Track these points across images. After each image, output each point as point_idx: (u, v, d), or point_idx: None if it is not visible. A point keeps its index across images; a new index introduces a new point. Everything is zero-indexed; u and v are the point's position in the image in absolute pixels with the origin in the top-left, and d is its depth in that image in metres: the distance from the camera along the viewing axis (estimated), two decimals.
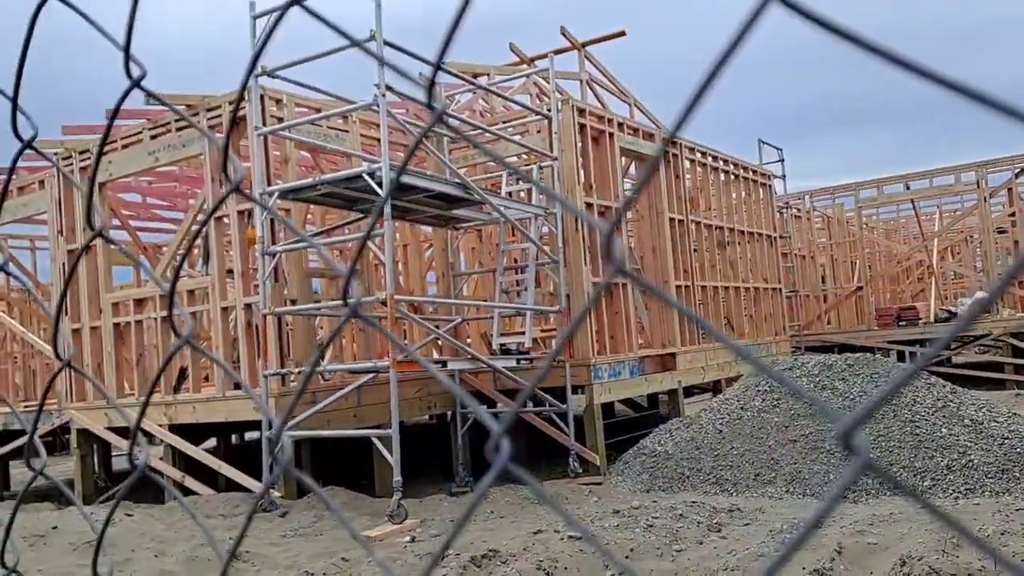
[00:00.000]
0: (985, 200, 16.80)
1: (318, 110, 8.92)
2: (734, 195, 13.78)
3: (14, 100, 1.37)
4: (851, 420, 0.55)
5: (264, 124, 8.11)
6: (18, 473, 13.90)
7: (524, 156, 10.30)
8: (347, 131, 9.28)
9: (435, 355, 10.82)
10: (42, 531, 6.79)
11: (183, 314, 1.16)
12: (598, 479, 8.81)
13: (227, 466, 8.68)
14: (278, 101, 8.55)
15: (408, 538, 6.58)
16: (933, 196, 18.56)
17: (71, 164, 10.28)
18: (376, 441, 7.58)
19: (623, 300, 10.12)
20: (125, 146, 9.67)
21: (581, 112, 9.82)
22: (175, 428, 9.15)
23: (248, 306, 8.60)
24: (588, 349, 9.35)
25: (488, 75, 11.07)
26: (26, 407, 11.79)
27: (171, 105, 1.34)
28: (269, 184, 8.06)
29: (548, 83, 9.90)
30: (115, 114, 1.49)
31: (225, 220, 9.04)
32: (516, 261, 10.57)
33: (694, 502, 7.21)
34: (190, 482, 8.84)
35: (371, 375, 8.06)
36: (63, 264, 10.26)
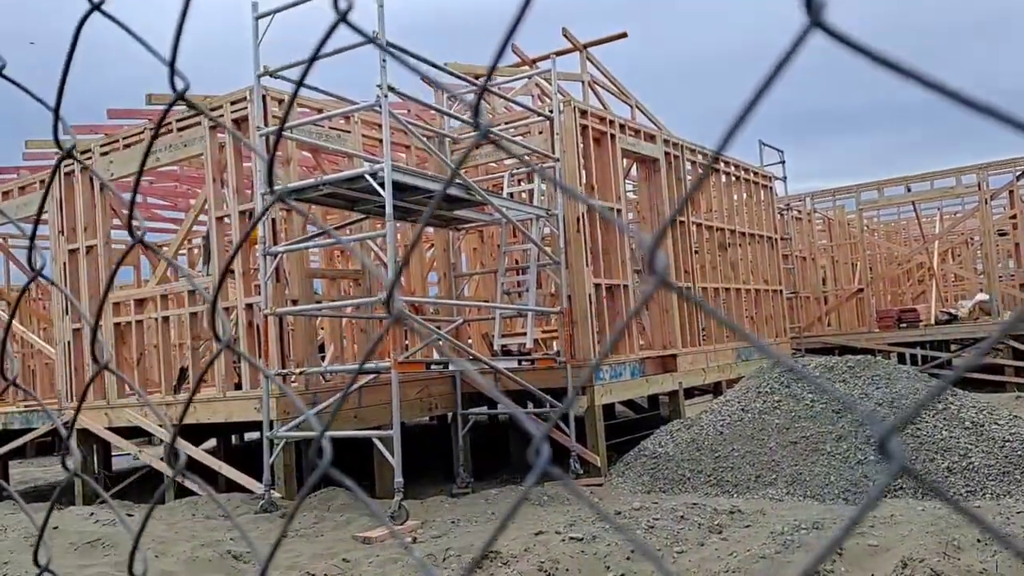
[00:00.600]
0: (986, 202, 16.80)
1: (320, 110, 8.92)
2: (735, 196, 13.78)
3: (56, 110, 1.38)
4: (890, 426, 0.55)
5: (266, 124, 8.11)
6: (17, 473, 13.90)
7: (526, 157, 10.30)
8: (349, 131, 9.28)
9: (436, 356, 10.81)
10: (38, 531, 6.78)
11: (220, 317, 1.16)
12: (599, 480, 8.80)
13: (227, 466, 8.68)
14: (280, 101, 8.55)
15: (409, 539, 6.57)
16: (934, 198, 18.57)
17: (72, 163, 10.27)
18: (377, 442, 7.58)
19: (624, 301, 10.12)
20: (127, 146, 9.67)
21: (583, 113, 9.82)
22: (175, 429, 9.14)
23: (249, 306, 8.60)
24: (590, 350, 9.34)
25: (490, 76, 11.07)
26: (26, 407, 11.77)
27: (220, 122, 1.33)
28: (270, 184, 8.05)
29: (550, 84, 9.90)
30: (158, 128, 1.49)
31: (226, 220, 9.03)
32: (517, 262, 10.57)
33: (695, 504, 7.21)
34: (190, 483, 8.83)
35: (372, 376, 8.06)
36: (64, 264, 10.25)
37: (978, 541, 4.98)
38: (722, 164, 13.36)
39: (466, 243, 11.27)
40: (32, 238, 1.49)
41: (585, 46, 11.94)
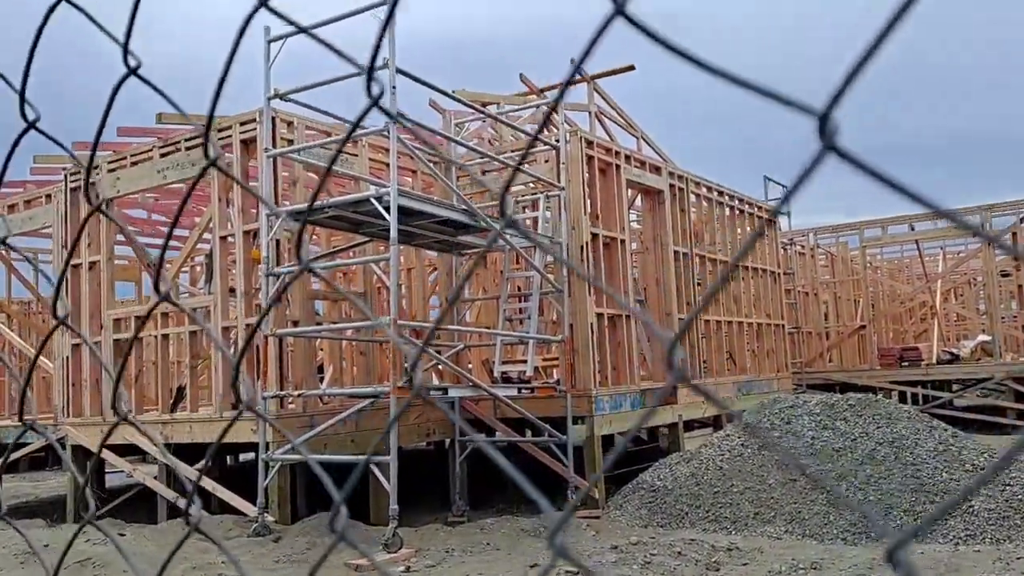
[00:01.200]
0: (989, 244, 16.80)
1: (328, 133, 8.96)
2: (739, 230, 13.80)
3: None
4: (904, 537, 0.53)
5: (274, 146, 8.14)
6: (9, 487, 13.78)
7: (532, 185, 10.33)
8: (356, 155, 9.32)
9: (436, 381, 10.76)
10: (31, 549, 6.70)
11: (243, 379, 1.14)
12: (596, 512, 8.72)
13: (221, 488, 8.60)
14: (289, 123, 8.59)
15: (403, 568, 6.49)
16: (937, 238, 18.58)
17: (78, 179, 10.31)
18: (374, 468, 7.51)
19: (625, 332, 10.09)
20: (134, 163, 9.71)
21: (589, 144, 9.86)
22: (171, 447, 9.08)
23: (250, 326, 8.57)
24: (590, 380, 9.30)
25: (498, 104, 11.13)
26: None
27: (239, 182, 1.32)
28: (277, 205, 8.06)
29: (557, 114, 9.95)
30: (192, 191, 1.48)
31: (230, 240, 9.04)
32: (520, 289, 10.55)
33: (693, 540, 7.13)
34: (183, 503, 8.74)
35: (370, 400, 8.02)
36: (67, 279, 10.24)
37: None
38: (726, 196, 13.39)
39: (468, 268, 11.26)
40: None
41: (592, 77, 12.02)
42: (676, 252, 11.43)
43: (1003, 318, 17.95)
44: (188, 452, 9.26)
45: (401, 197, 7.19)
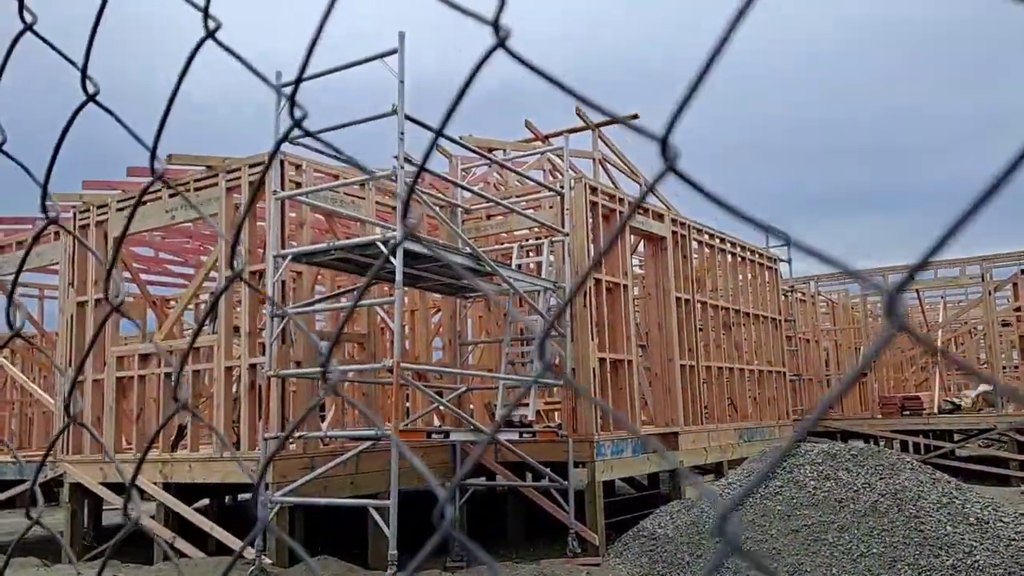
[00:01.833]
0: (990, 294, 16.88)
1: (336, 176, 9.08)
2: (740, 277, 13.88)
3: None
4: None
5: (283, 188, 8.25)
6: (6, 524, 13.67)
7: (536, 230, 10.43)
8: (363, 198, 9.43)
9: (436, 423, 10.75)
10: None
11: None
12: (596, 560, 8.64)
13: (219, 528, 8.54)
14: (297, 166, 8.71)
15: None
16: (937, 287, 18.66)
17: (87, 217, 10.42)
18: (373, 512, 7.47)
19: (627, 377, 10.10)
20: (143, 202, 9.82)
21: (593, 190, 9.98)
22: (170, 487, 9.04)
23: (253, 366, 8.60)
24: (592, 424, 9.29)
25: (504, 150, 11.29)
26: (26, 457, 11.68)
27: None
28: (283, 247, 8.14)
29: (562, 160, 10.09)
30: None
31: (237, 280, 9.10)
32: (523, 332, 10.59)
33: None
34: (181, 543, 8.68)
35: (371, 442, 8.00)
36: (71, 316, 10.29)
37: None
38: (728, 244, 13.49)
39: (472, 311, 11.32)
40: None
41: (597, 125, 12.20)
42: (678, 298, 11.48)
43: (1004, 368, 17.93)
44: (188, 492, 9.21)
45: (407, 241, 7.26)
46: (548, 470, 8.98)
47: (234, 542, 8.30)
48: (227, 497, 12.17)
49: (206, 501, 11.13)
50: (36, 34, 1.38)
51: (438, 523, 0.82)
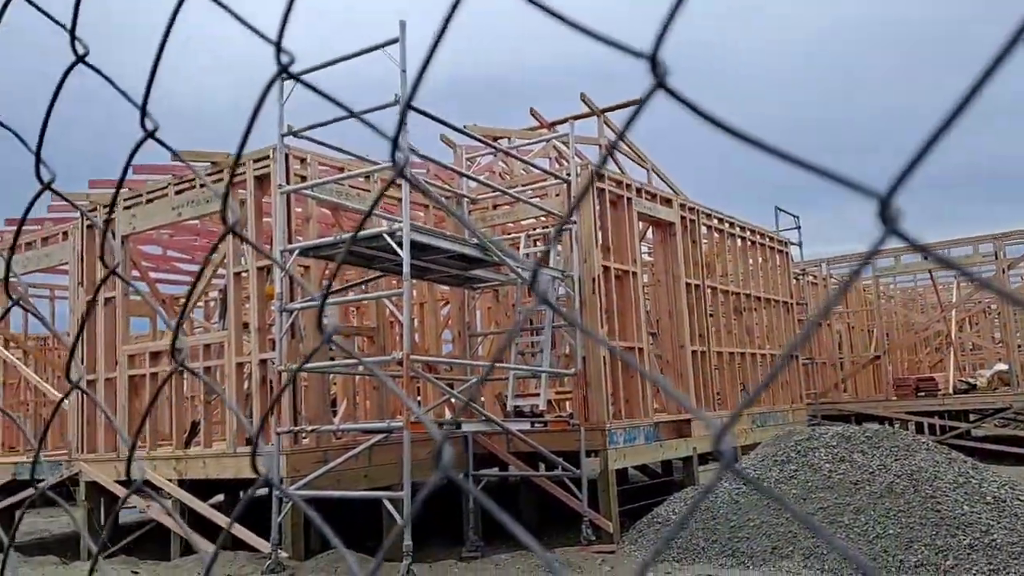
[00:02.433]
0: (1004, 272, 16.72)
1: (341, 169, 9.05)
2: (751, 261, 13.79)
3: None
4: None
5: (288, 182, 8.23)
6: (24, 524, 13.77)
7: (543, 219, 10.38)
8: (368, 190, 9.40)
9: (448, 415, 10.74)
10: None
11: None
12: (611, 547, 8.63)
13: (235, 524, 8.57)
14: (302, 160, 8.69)
15: None
16: (950, 267, 18.46)
17: (95, 215, 10.44)
18: (387, 504, 7.48)
19: (639, 364, 10.05)
20: (150, 200, 9.83)
21: (600, 177, 9.91)
22: (184, 483, 9.08)
23: (263, 362, 8.61)
24: (603, 413, 9.26)
25: (508, 139, 11.23)
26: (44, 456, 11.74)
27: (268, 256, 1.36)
28: (290, 241, 8.13)
29: (568, 148, 10.03)
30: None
31: (244, 275, 9.10)
32: (532, 322, 10.56)
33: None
34: (196, 539, 8.71)
35: (384, 434, 8.00)
36: (81, 315, 10.32)
37: None
38: (738, 228, 13.41)
39: (481, 302, 11.28)
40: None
41: (602, 111, 12.12)
42: (688, 284, 11.42)
43: (1020, 346, 17.77)
44: (202, 488, 9.24)
45: (413, 232, 7.24)
46: (560, 459, 8.96)
47: (249, 537, 8.33)
48: (241, 492, 12.21)
49: (220, 497, 11.18)
50: None
51: (436, 462, 0.80)
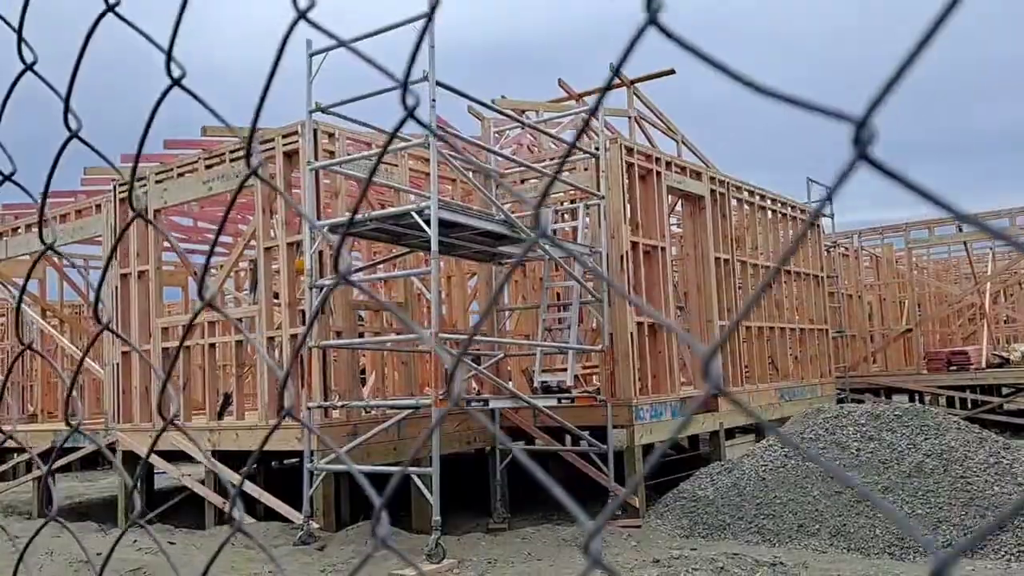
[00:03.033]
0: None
1: (369, 145, 9.05)
2: (781, 234, 13.63)
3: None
4: (952, 554, 0.57)
5: (317, 158, 8.24)
6: (62, 488, 14.16)
7: (571, 193, 10.31)
8: (396, 165, 9.40)
9: (475, 391, 10.81)
10: (85, 556, 6.88)
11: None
12: (637, 522, 8.69)
13: (267, 495, 8.75)
14: (330, 135, 8.69)
15: None
16: (986, 238, 18.14)
17: (127, 190, 10.56)
18: (415, 477, 7.58)
19: (666, 340, 10.03)
20: (180, 175, 9.90)
21: (629, 151, 9.82)
22: (217, 454, 9.26)
23: (294, 336, 8.70)
24: (630, 389, 9.27)
25: (537, 111, 11.13)
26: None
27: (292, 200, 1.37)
28: (319, 218, 8.16)
29: (596, 120, 9.92)
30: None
31: (274, 250, 9.18)
32: (559, 297, 10.55)
33: (735, 554, 7.07)
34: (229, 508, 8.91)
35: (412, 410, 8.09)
36: (116, 288, 10.47)
37: None
38: (768, 200, 13.23)
39: None
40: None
41: (632, 82, 11.95)
42: (717, 258, 11.32)
43: None
44: (234, 459, 9.43)
45: (441, 210, 7.23)
46: (587, 434, 9.01)
47: (281, 507, 8.50)
48: (273, 463, 12.45)
49: (254, 467, 11.39)
50: None
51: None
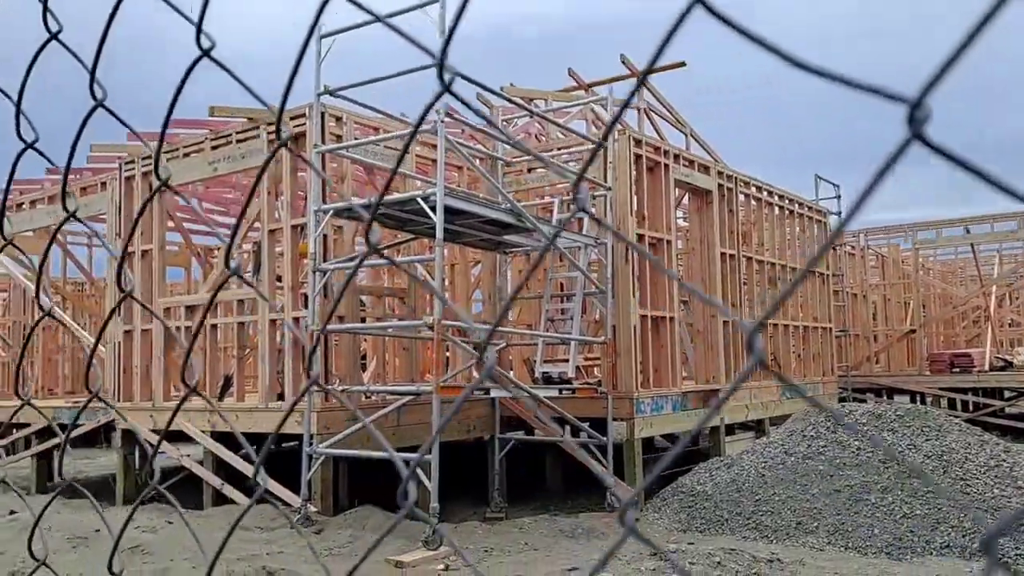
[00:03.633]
0: None
1: (376, 129, 9.00)
2: (787, 231, 13.57)
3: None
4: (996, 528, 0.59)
5: (324, 141, 8.20)
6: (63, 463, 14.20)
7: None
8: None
9: (476, 377, 10.78)
10: (84, 533, 6.89)
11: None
12: (635, 515, 8.68)
13: (265, 475, 8.73)
14: (338, 119, 8.65)
15: (442, 566, 6.54)
16: (993, 241, 18.06)
17: (133, 168, 10.53)
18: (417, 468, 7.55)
19: (669, 334, 10.00)
20: (186, 154, 9.87)
21: (637, 143, 9.76)
22: (216, 435, 9.26)
23: (296, 319, 8.68)
24: (632, 381, 9.24)
25: (546, 100, 11.07)
26: (74, 403, 12.06)
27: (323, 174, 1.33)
28: (325, 202, 8.13)
29: (605, 111, 9.86)
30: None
31: (278, 233, 9.15)
32: (563, 288, 10.52)
33: (733, 549, 7.05)
34: (228, 490, 8.93)
35: (412, 396, 8.07)
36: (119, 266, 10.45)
37: None
38: (776, 196, 13.17)
39: (512, 266, 11.25)
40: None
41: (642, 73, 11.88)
42: (723, 253, 11.27)
43: None
44: (234, 440, 9.43)
45: (447, 197, 7.20)
46: (587, 426, 8.99)
47: (280, 490, 8.50)
48: (271, 446, 12.45)
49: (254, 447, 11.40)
50: None
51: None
